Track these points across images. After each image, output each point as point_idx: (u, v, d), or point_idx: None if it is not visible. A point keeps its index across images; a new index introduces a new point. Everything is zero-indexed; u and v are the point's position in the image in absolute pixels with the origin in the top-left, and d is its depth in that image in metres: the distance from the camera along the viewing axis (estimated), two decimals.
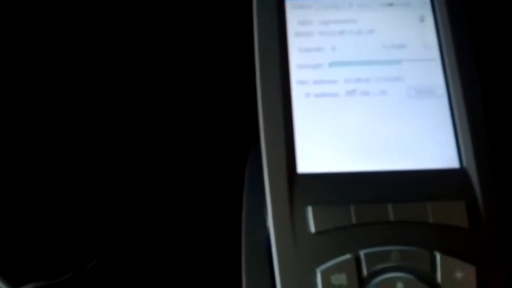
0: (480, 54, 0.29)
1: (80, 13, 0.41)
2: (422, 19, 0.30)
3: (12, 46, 0.41)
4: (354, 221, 0.26)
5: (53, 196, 0.37)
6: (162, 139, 0.39)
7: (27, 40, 0.41)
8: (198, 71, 0.40)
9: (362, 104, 0.29)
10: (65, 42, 0.41)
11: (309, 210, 0.27)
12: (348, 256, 0.26)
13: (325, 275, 0.26)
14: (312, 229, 0.26)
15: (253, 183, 0.31)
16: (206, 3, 0.41)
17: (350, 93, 0.29)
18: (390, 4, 0.31)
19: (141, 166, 0.38)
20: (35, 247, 0.36)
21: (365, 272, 0.26)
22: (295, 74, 0.29)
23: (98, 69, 0.40)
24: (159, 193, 0.37)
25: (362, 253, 0.26)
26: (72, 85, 0.40)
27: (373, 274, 0.26)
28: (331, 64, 0.30)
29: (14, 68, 0.40)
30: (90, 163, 0.38)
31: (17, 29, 0.41)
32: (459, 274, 0.25)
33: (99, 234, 0.36)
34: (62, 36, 0.41)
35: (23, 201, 0.37)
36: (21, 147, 0.39)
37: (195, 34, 0.41)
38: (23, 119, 0.39)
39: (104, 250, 0.35)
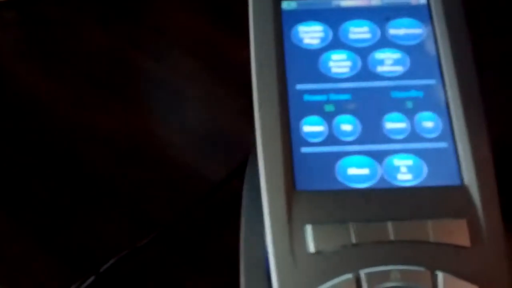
0: (480, 66, 0.29)
1: None
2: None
3: None
4: (354, 240, 0.26)
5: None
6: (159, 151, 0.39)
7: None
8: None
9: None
10: None
11: (308, 229, 0.26)
12: (348, 276, 0.25)
13: None
14: (312, 248, 0.26)
15: (251, 199, 0.31)
16: None
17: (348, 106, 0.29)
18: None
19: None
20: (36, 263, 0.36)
21: None
22: (293, 87, 0.29)
23: None
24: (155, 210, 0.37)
25: (362, 273, 0.25)
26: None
27: None
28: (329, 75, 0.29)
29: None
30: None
31: None
32: None
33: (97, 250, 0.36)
34: None
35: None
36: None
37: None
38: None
39: (101, 266, 0.35)
